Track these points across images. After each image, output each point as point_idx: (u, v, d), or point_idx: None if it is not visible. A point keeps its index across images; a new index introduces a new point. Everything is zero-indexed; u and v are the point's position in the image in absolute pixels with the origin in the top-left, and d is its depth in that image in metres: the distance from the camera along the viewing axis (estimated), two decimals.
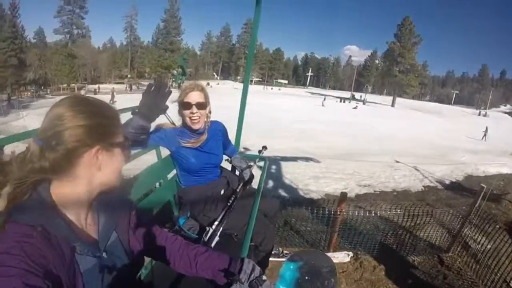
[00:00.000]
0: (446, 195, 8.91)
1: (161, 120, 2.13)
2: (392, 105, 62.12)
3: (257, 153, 3.02)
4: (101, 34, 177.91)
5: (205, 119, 2.25)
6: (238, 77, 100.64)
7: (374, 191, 8.35)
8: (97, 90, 51.45)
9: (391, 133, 22.49)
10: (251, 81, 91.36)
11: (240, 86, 67.12)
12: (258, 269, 1.10)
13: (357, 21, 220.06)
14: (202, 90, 2.19)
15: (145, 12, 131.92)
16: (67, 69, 57.26)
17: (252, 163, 2.69)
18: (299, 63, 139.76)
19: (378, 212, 6.01)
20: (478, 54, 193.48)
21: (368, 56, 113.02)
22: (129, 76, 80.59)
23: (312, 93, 75.85)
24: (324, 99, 51.59)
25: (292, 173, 9.10)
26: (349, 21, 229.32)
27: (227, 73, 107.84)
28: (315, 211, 5.20)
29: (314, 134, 18.55)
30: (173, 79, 61.26)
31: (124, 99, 31.35)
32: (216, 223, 2.04)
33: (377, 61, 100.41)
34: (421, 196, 8.67)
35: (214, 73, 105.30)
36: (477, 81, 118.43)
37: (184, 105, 2.15)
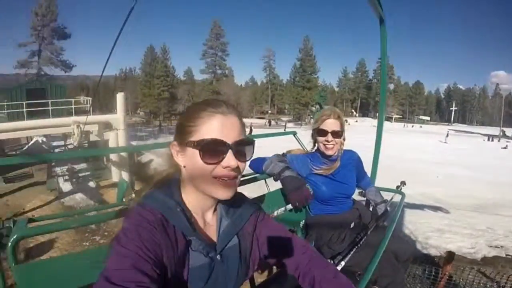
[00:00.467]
0: None
1: (291, 143, 2.32)
2: None
3: (395, 188, 2.83)
4: (244, 73, 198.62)
5: (339, 147, 2.18)
6: (377, 114, 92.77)
7: (507, 255, 6.35)
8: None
9: None
10: (391, 118, 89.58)
11: (387, 125, 65.96)
12: None
13: (504, 42, 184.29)
14: (339, 118, 2.14)
15: (282, 52, 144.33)
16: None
17: (387, 198, 2.53)
18: (442, 96, 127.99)
19: (505, 283, 4.13)
20: None
21: None
22: (269, 112, 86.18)
23: (457, 131, 67.68)
24: (447, 134, 45.01)
25: (414, 223, 7.82)
26: (494, 42, 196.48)
27: (366, 110, 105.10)
28: (415, 270, 4.08)
29: (452, 179, 16.23)
30: (311, 116, 63.18)
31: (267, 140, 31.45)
32: (339, 257, 1.92)
33: None
34: None
35: (353, 110, 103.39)
36: None
37: (319, 132, 2.13)
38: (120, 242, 0.78)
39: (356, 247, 1.97)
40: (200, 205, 0.98)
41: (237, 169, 0.91)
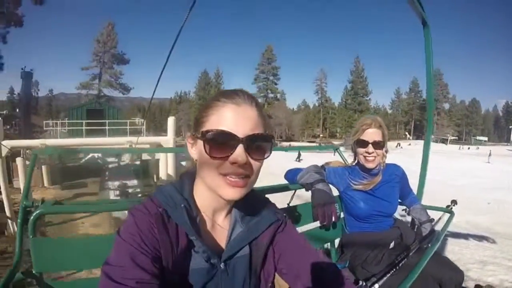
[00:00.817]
0: None
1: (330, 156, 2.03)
2: None
3: (444, 207, 2.58)
4: (296, 97, 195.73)
5: (381, 159, 2.04)
6: (433, 136, 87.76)
7: None
8: (287, 147, 60.47)
9: None
10: (446, 140, 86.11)
11: (435, 146, 64.05)
12: None
13: None
14: (380, 127, 2.01)
15: (334, 75, 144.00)
16: None
17: (434, 218, 2.33)
18: (500, 114, 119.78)
19: None
20: None
21: None
22: (321, 135, 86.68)
23: None
24: (490, 154, 43.21)
25: (456, 253, 7.28)
26: None
27: (420, 132, 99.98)
28: None
29: (502, 206, 14.91)
30: None
31: (311, 156, 31.21)
32: (373, 279, 1.74)
33: None
34: None
35: (406, 133, 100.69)
36: None
37: (359, 143, 2.00)
38: (121, 234, 0.77)
39: (394, 269, 1.79)
40: (210, 204, 0.90)
41: (247, 167, 0.82)
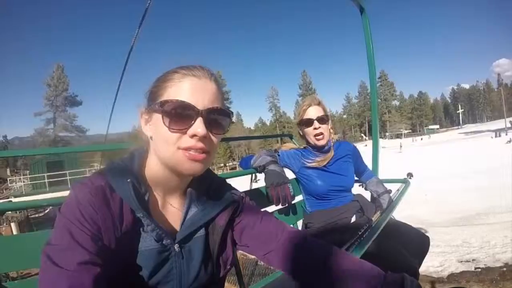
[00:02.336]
0: None
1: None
2: None
3: (401, 179, 2.61)
4: (253, 115, 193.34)
5: (329, 136, 2.08)
6: (387, 133, 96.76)
7: (476, 268, 5.80)
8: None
9: None
10: (401, 134, 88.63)
11: (389, 143, 65.23)
12: None
13: (501, 27, 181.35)
14: (320, 104, 2.06)
15: (285, 90, 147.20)
16: (222, 151, 68.03)
17: (391, 189, 2.32)
18: (449, 100, 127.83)
19: None
20: None
21: None
22: None
23: (467, 133, 65.84)
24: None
25: None
26: (490, 31, 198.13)
27: None
28: None
29: (441, 194, 14.30)
30: None
31: None
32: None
33: None
34: None
35: (362, 134, 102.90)
36: None
37: (305, 123, 2.05)
38: (61, 210, 0.72)
39: (359, 239, 1.74)
40: (163, 182, 0.85)
41: (206, 142, 0.78)
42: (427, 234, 2.11)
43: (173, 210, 0.88)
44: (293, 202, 2.05)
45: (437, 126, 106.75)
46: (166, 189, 0.87)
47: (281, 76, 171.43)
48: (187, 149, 0.76)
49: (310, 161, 2.09)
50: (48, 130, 55.35)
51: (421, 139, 74.30)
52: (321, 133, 2.03)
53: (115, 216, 0.74)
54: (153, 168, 0.84)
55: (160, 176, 0.84)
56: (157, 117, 0.77)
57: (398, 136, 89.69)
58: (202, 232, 0.89)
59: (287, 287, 1.10)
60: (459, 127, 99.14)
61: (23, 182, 24.56)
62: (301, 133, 2.16)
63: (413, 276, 0.92)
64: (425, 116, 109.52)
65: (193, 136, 0.75)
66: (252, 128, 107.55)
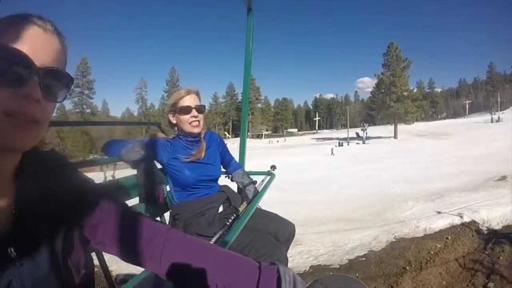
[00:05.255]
0: None
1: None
2: (395, 137, 57.51)
3: (266, 171, 2.79)
4: (121, 105, 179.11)
5: (203, 125, 2.09)
6: (249, 133, 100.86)
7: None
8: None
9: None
10: (261, 135, 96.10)
11: (252, 142, 70.21)
12: (299, 280, 0.68)
13: (367, 50, 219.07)
14: (198, 93, 2.08)
15: (153, 82, 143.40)
16: (81, 144, 65.44)
17: (255, 180, 2.42)
18: (311, 107, 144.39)
19: None
20: (485, 53, 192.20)
21: (373, 87, 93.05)
22: None
23: (318, 139, 72.30)
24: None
25: None
26: (356, 52, 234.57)
27: (238, 131, 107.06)
28: None
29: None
30: None
31: None
32: (212, 242, 1.71)
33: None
34: None
35: (226, 132, 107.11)
36: (488, 83, 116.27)
37: (182, 111, 1.99)
38: None
39: (227, 229, 1.84)
40: None
41: (39, 109, 0.58)
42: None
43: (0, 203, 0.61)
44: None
45: (295, 130, 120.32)
46: None
47: (151, 69, 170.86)
48: (12, 113, 0.55)
49: (185, 156, 2.01)
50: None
51: (277, 141, 78.36)
52: (198, 121, 2.01)
53: None
54: None
55: None
56: None
57: (259, 136, 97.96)
58: (42, 229, 0.64)
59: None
60: (316, 131, 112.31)
61: None
62: (173, 122, 2.07)
63: (284, 263, 1.07)
64: (285, 121, 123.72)
65: (24, 98, 0.56)
66: (119, 117, 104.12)
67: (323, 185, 17.10)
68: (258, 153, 36.78)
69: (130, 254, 0.76)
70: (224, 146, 2.33)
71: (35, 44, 0.57)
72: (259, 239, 1.83)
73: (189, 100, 2.00)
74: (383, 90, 64.52)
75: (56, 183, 0.68)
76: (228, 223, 1.88)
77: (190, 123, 1.99)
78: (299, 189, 16.07)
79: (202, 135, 2.13)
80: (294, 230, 2.21)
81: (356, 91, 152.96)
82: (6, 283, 0.56)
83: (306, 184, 17.91)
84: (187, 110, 1.98)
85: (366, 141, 53.05)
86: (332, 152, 37.44)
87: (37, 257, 0.61)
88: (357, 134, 62.78)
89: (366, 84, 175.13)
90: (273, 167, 2.92)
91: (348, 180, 17.82)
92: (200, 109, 2.01)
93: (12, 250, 0.57)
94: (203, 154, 2.05)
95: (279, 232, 2.09)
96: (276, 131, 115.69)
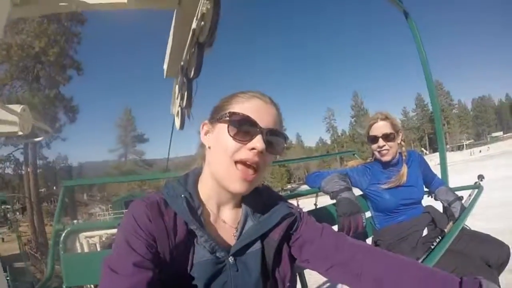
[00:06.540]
0: None
1: None
2: None
3: (472, 184, 2.49)
4: (313, 137, 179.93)
5: (399, 150, 1.99)
6: (447, 146, 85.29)
7: None
8: None
9: None
10: (462, 146, 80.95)
11: (451, 156, 49.81)
12: None
13: None
14: (387, 118, 1.98)
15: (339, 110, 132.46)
16: (278, 175, 68.34)
17: (462, 195, 2.17)
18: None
19: None
20: None
21: None
22: None
23: None
24: None
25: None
26: None
27: (435, 144, 79.94)
28: None
29: None
30: None
31: None
32: None
33: None
34: None
35: (423, 149, 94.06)
36: None
37: (370, 140, 1.99)
38: (120, 224, 0.79)
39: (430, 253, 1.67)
40: (215, 197, 0.89)
41: (261, 158, 0.82)
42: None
43: (224, 225, 0.90)
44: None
45: (500, 133, 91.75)
46: (217, 203, 0.90)
47: (333, 95, 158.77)
48: (242, 162, 0.81)
49: (385, 184, 1.99)
50: (120, 163, 60.22)
51: (480, 151, 60.76)
52: (386, 151, 1.96)
53: (169, 228, 0.79)
54: (206, 184, 0.90)
55: (212, 191, 0.89)
56: (222, 127, 0.83)
57: (460, 148, 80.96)
58: (257, 246, 0.89)
59: None
60: None
61: (108, 215, 29.38)
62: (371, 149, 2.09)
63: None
64: (486, 124, 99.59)
65: (252, 149, 0.80)
66: (314, 147, 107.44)
67: None
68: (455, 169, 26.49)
69: (332, 271, 0.89)
70: (426, 164, 2.21)
71: (259, 112, 0.83)
72: (466, 264, 1.66)
73: (376, 129, 1.97)
74: None
75: (269, 209, 0.92)
76: (433, 247, 1.74)
77: (379, 152, 1.97)
78: None
79: (404, 157, 2.02)
80: (509, 253, 1.88)
81: None
82: (222, 282, 0.82)
83: None
84: (374, 139, 1.97)
85: None
86: None
87: (250, 266, 0.86)
88: None
89: None
90: (481, 177, 2.60)
91: None
92: (388, 137, 1.94)
93: (231, 259, 0.83)
94: (404, 179, 1.96)
95: (490, 255, 1.80)
96: (479, 138, 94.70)
